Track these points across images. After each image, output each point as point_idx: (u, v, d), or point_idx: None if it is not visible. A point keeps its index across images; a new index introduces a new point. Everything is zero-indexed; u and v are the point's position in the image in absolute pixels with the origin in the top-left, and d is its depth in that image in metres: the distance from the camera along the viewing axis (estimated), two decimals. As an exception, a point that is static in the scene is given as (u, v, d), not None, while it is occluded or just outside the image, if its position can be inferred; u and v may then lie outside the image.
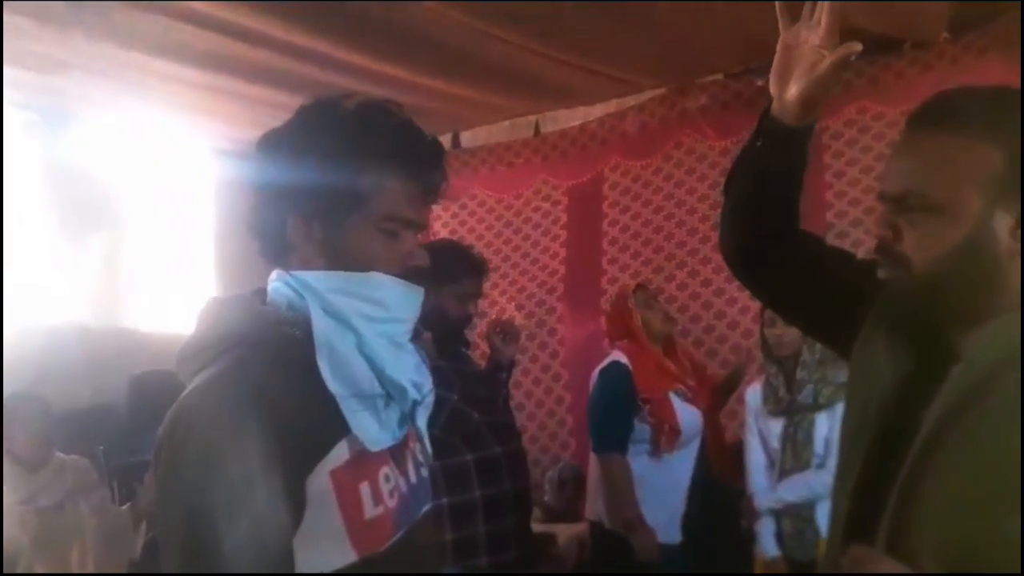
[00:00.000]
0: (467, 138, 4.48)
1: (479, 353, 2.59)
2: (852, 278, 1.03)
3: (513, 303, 4.31)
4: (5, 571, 1.84)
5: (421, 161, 0.97)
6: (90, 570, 1.93)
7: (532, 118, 4.29)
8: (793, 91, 1.00)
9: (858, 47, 0.96)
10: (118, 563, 2.06)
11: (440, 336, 2.12)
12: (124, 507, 2.16)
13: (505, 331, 2.36)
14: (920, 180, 0.87)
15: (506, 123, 4.34)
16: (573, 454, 4.00)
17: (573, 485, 3.81)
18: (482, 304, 2.58)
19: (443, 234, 4.50)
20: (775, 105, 1.04)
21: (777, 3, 1.04)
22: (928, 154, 0.87)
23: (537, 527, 3.44)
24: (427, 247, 3.06)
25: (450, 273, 2.21)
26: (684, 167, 3.98)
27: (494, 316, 3.84)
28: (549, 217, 4.33)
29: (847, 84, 3.48)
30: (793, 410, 2.36)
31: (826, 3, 0.99)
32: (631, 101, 4.04)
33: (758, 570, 2.44)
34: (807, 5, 1.02)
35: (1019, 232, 0.84)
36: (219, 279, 4.13)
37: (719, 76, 3.81)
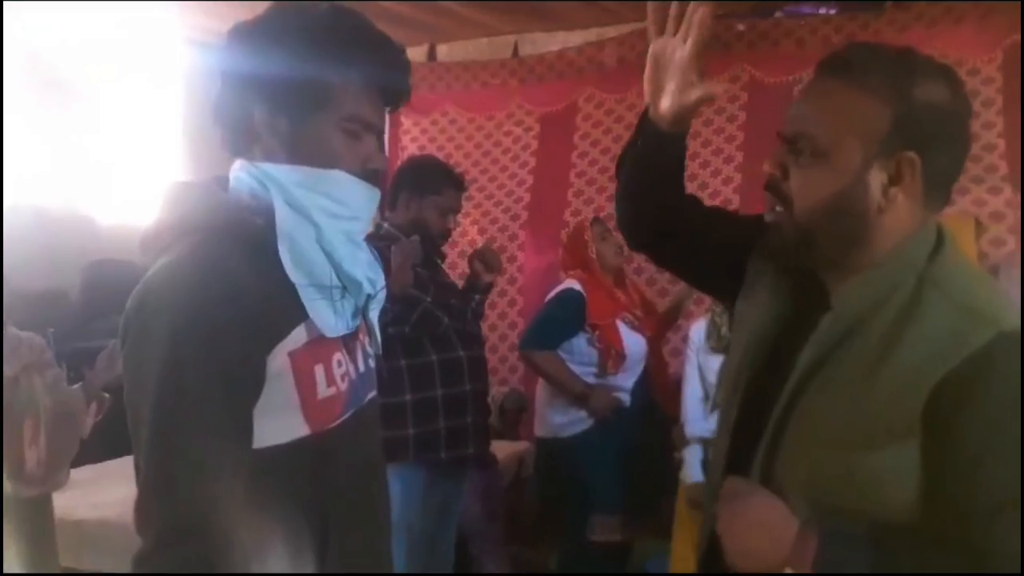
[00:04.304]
0: (444, 52, 4.40)
1: (455, 274, 2.65)
2: (736, 235, 1.07)
3: (476, 226, 4.32)
4: None
5: (386, 66, 1.00)
6: (42, 444, 1.99)
7: (511, 38, 4.23)
8: (665, 105, 1.01)
9: (720, 88, 1.00)
10: (69, 441, 2.11)
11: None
12: (76, 386, 2.19)
13: (487, 260, 2.42)
14: (812, 124, 0.90)
15: (484, 41, 4.28)
16: (521, 378, 4.11)
17: (515, 412, 3.95)
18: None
19: (411, 149, 4.46)
20: (651, 111, 1.04)
21: (649, 12, 1.02)
22: (824, 101, 0.91)
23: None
24: (411, 160, 3.07)
25: (433, 185, 2.29)
26: (657, 105, 3.99)
27: (455, 239, 3.87)
28: (520, 143, 4.32)
29: (825, 39, 3.52)
30: (732, 349, 2.47)
31: (694, 23, 0.97)
32: (612, 32, 4.01)
33: (681, 494, 2.58)
34: (671, 20, 1.00)
35: (891, 191, 0.88)
36: (186, 172, 4.07)
37: (701, 18, 3.80)
